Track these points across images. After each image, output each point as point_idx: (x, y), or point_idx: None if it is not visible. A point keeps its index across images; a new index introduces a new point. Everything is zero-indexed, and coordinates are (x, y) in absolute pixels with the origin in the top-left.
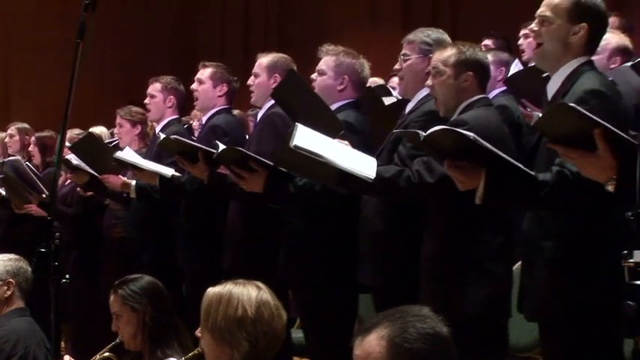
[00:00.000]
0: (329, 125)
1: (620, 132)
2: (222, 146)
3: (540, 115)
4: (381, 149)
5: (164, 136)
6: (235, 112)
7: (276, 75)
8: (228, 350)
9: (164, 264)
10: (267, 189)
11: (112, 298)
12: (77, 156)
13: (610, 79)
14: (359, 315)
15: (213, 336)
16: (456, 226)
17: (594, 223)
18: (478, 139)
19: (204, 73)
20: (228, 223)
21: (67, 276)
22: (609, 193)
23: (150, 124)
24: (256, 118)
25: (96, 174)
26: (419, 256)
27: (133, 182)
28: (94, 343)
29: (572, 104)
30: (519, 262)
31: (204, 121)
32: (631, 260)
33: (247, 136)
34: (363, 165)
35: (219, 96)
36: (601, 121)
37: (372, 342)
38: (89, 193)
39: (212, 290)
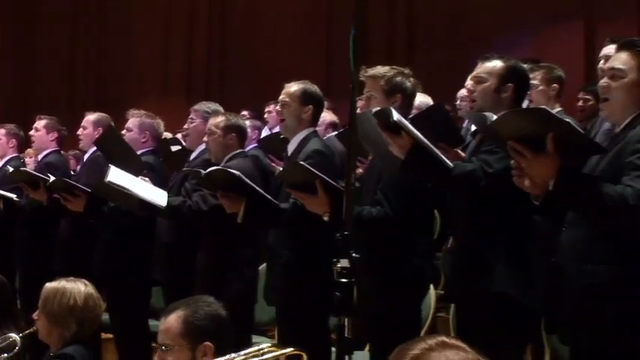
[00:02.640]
0: (136, 166)
1: (332, 182)
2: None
3: (281, 169)
4: (173, 184)
5: (11, 169)
6: (62, 152)
7: (100, 128)
8: (60, 330)
9: (3, 265)
10: (87, 209)
11: None
12: None
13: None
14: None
15: (48, 319)
16: (221, 242)
17: (316, 239)
18: (242, 176)
19: (40, 123)
20: (60, 234)
21: None
22: (326, 222)
23: None
24: (77, 158)
25: None
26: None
27: None
28: None
29: (302, 162)
30: (264, 264)
31: (39, 159)
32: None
33: (72, 172)
34: (157, 196)
35: (52, 140)
36: (320, 174)
37: (172, 320)
38: None
39: (49, 284)
